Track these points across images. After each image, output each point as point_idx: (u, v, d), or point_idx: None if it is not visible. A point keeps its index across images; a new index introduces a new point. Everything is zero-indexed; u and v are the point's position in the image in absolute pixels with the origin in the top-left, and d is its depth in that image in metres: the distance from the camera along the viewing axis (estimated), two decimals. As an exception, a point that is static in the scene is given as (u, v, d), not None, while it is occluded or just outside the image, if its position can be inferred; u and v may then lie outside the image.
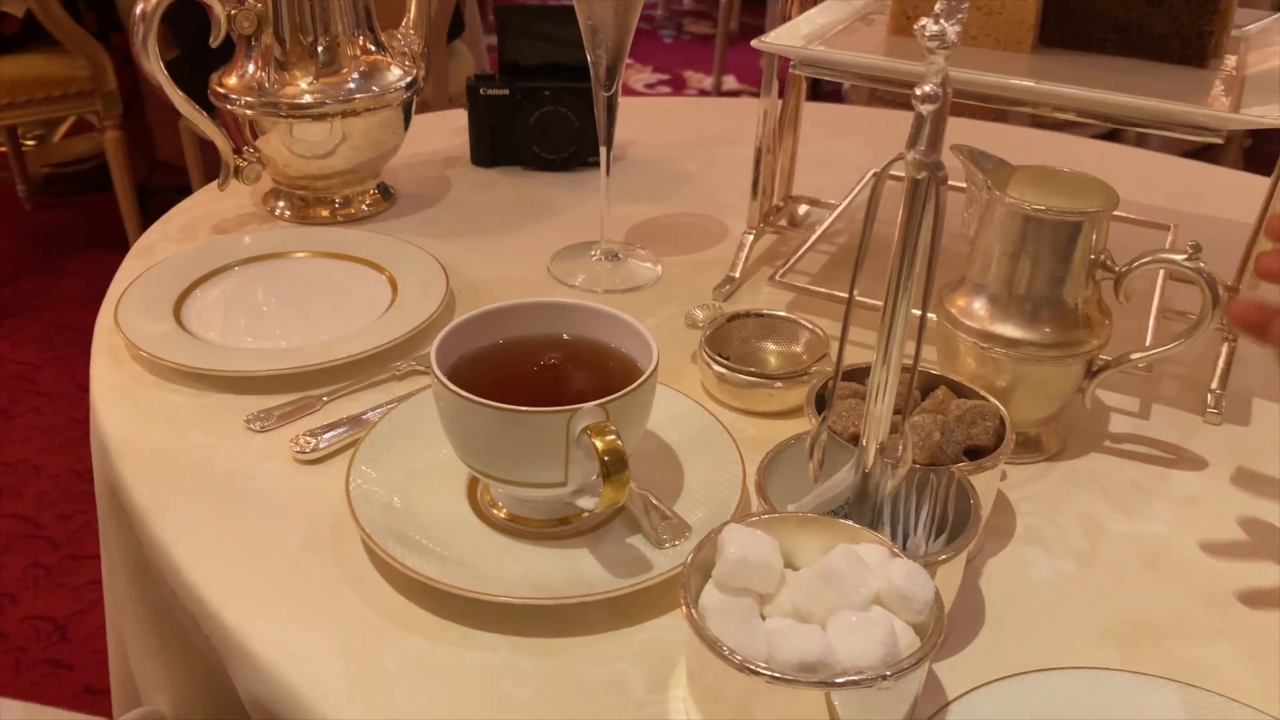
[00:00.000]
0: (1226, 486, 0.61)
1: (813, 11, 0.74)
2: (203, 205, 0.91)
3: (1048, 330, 0.58)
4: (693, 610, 0.41)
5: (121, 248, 0.89)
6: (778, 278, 0.75)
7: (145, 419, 0.63)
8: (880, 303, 0.42)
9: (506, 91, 0.94)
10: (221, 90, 0.83)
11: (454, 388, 0.48)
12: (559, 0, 0.85)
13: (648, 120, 1.12)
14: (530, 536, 0.53)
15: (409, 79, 0.87)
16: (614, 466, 0.46)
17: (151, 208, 2.30)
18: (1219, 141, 0.58)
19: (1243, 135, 2.21)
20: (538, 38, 0.95)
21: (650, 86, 3.71)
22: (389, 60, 0.87)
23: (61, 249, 2.48)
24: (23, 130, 2.70)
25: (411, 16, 0.90)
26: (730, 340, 0.69)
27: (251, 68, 0.83)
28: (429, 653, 0.48)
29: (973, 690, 0.44)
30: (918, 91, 0.37)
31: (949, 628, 0.41)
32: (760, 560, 0.42)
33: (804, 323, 0.69)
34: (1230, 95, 0.63)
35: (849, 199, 0.86)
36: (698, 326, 0.71)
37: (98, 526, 0.68)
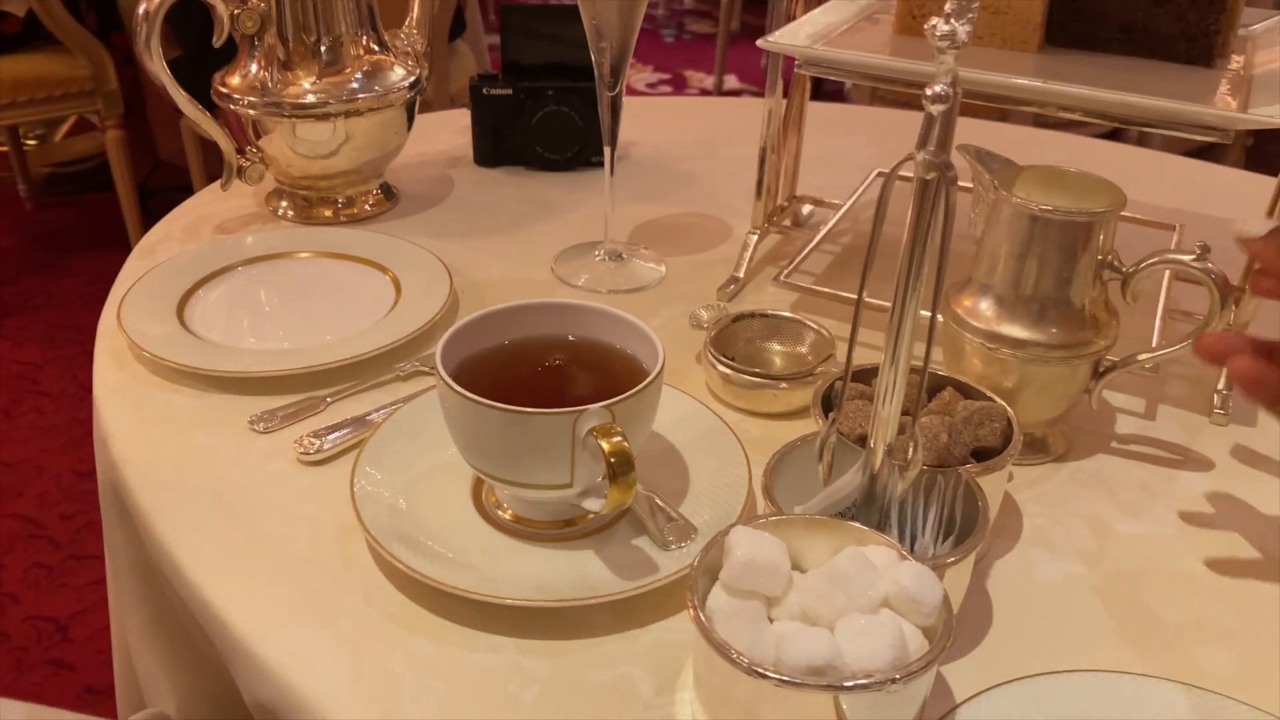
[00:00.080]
0: (1233, 487, 0.61)
1: (817, 11, 0.74)
2: (205, 205, 0.90)
3: (1054, 331, 0.58)
4: (700, 613, 0.40)
5: (123, 247, 0.89)
6: (782, 278, 0.75)
7: (148, 420, 0.63)
8: (888, 303, 0.42)
9: (510, 91, 0.94)
10: (224, 90, 0.83)
11: (460, 389, 0.48)
12: (562, -1, 0.85)
13: (650, 120, 1.12)
14: (535, 538, 0.53)
15: (412, 79, 0.87)
16: (620, 468, 0.46)
17: (153, 207, 2.30)
18: (1226, 142, 0.58)
19: (1245, 134, 2.21)
20: (540, 37, 0.95)
21: (651, 86, 3.71)
22: (392, 60, 0.87)
23: (63, 249, 2.48)
24: (24, 130, 2.70)
25: (415, 16, 0.90)
26: (735, 341, 0.68)
27: (254, 67, 0.83)
28: (434, 655, 0.47)
29: (981, 693, 0.44)
30: (928, 92, 0.37)
31: (956, 630, 0.41)
32: (768, 562, 0.41)
33: (809, 323, 0.68)
34: (1238, 95, 0.63)
35: (853, 199, 0.86)
36: (702, 327, 0.71)
37: (99, 526, 0.68)
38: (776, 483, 0.49)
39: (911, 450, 0.44)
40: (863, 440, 0.46)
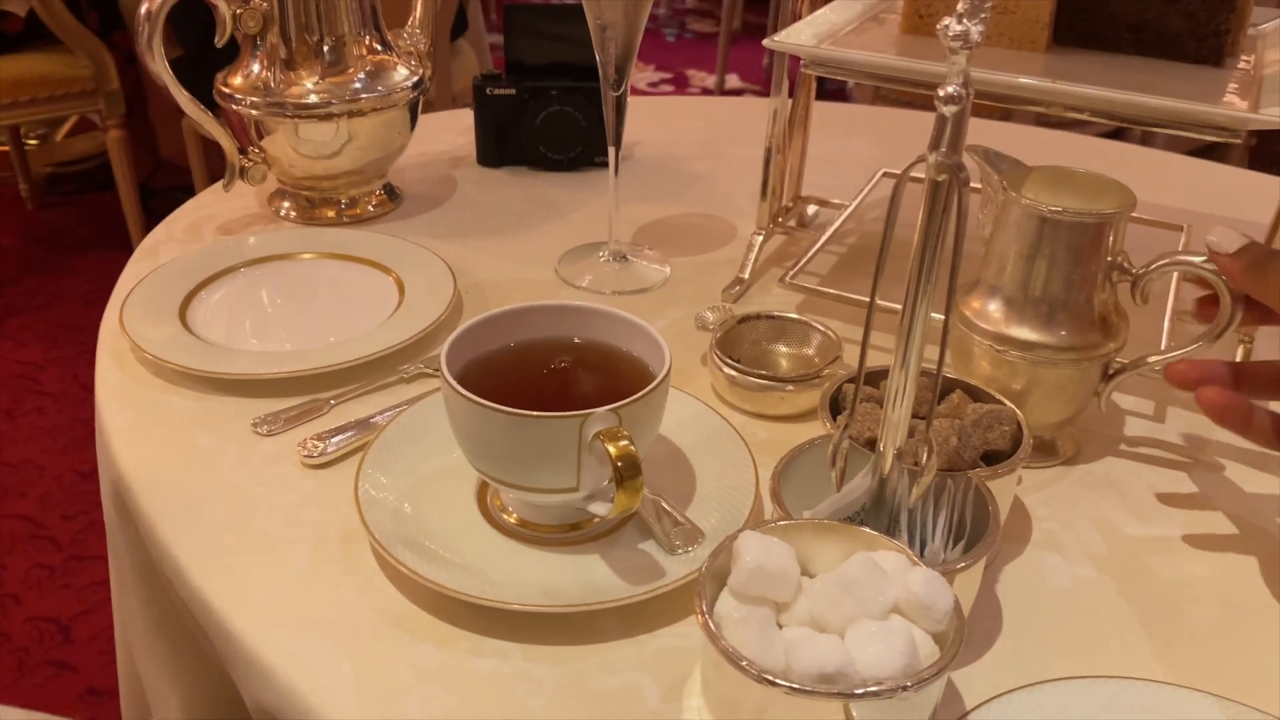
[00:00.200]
0: (1242, 490, 0.60)
1: (823, 10, 0.74)
2: (207, 206, 0.90)
3: (1064, 333, 0.57)
4: (709, 619, 0.40)
5: (124, 247, 0.89)
6: (788, 279, 0.74)
7: (151, 423, 0.62)
8: (898, 305, 0.42)
9: (513, 91, 0.93)
10: (226, 90, 0.83)
11: (465, 392, 0.47)
12: (566, -1, 0.85)
13: (653, 120, 1.12)
14: (541, 542, 0.52)
15: (415, 79, 0.86)
16: (627, 472, 0.46)
17: (154, 207, 2.30)
18: (1236, 142, 0.57)
19: (1249, 133, 2.20)
20: (544, 37, 0.94)
21: (653, 85, 3.70)
22: (395, 60, 0.86)
23: (64, 248, 2.48)
24: (25, 129, 2.69)
25: (418, 15, 0.90)
26: (741, 342, 0.68)
27: (257, 67, 0.83)
28: (439, 661, 0.47)
29: (991, 699, 0.44)
30: (940, 93, 0.37)
31: (966, 635, 0.40)
32: (777, 568, 0.41)
33: (815, 325, 0.68)
34: (1248, 95, 0.62)
35: (858, 199, 0.86)
36: (708, 328, 0.71)
37: (101, 527, 0.67)
38: (784, 486, 0.48)
39: (925, 455, 0.44)
40: (872, 444, 0.46)
